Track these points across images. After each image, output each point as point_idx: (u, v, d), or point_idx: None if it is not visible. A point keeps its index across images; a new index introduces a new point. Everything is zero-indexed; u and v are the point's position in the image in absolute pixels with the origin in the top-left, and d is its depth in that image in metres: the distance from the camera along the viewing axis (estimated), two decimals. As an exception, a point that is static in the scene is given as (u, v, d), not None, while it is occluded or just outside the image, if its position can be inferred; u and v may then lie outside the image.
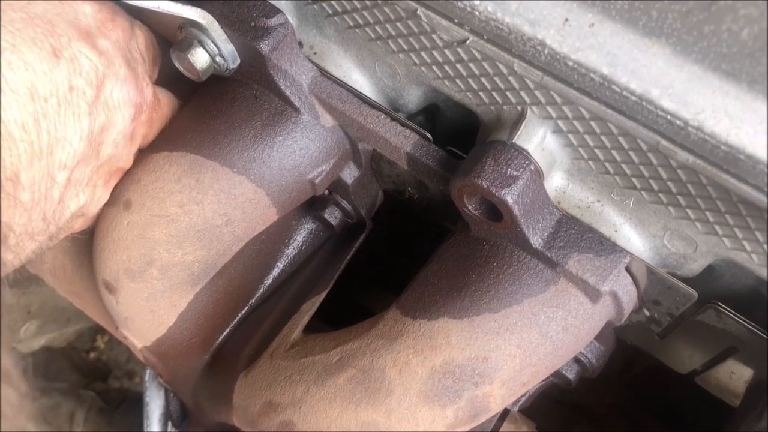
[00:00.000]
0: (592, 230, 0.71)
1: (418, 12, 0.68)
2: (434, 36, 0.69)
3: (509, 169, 0.67)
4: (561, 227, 0.71)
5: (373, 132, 0.78)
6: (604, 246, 0.71)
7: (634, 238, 0.72)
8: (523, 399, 0.83)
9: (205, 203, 0.81)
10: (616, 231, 0.72)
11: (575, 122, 0.66)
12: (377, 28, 0.74)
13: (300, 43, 0.81)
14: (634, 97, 0.59)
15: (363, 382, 0.75)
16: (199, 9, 0.76)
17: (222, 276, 0.89)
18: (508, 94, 0.69)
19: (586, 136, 0.66)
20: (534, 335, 0.72)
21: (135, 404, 1.46)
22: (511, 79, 0.67)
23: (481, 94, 0.71)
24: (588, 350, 0.80)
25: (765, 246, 0.63)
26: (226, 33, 0.77)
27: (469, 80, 0.71)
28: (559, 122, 0.67)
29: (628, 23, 0.59)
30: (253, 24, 0.76)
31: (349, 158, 0.87)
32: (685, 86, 0.58)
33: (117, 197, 0.83)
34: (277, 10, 0.77)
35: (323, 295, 0.93)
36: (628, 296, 0.73)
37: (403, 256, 1.07)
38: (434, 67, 0.72)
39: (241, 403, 0.85)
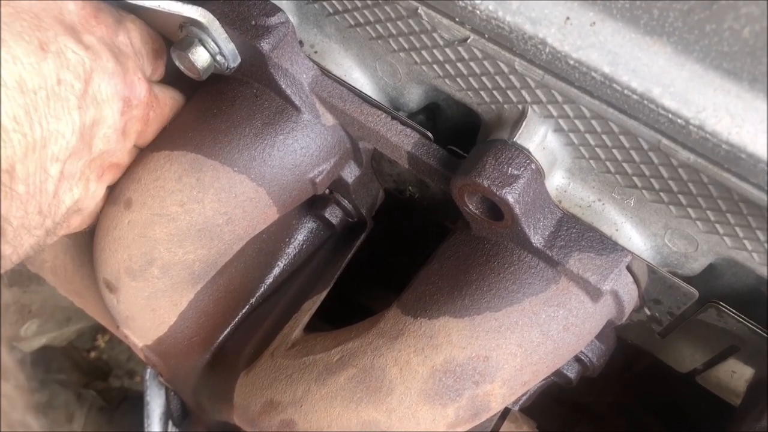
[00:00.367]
0: (593, 229, 0.71)
1: (419, 11, 0.68)
2: (435, 35, 0.69)
3: (510, 168, 0.67)
4: (562, 226, 0.71)
5: (374, 131, 0.78)
6: (605, 245, 0.70)
7: (635, 237, 0.72)
8: (524, 398, 0.83)
9: (205, 202, 0.81)
10: (617, 230, 0.72)
11: (576, 121, 0.66)
12: (378, 26, 0.74)
13: (300, 42, 0.81)
14: (635, 96, 0.59)
15: (364, 381, 0.75)
16: (200, 8, 0.76)
17: (223, 275, 0.89)
18: (509, 92, 0.69)
19: (587, 135, 0.66)
20: (535, 334, 0.72)
21: (136, 403, 1.47)
22: (512, 77, 0.67)
23: (482, 92, 0.71)
24: (589, 349, 0.81)
25: (766, 245, 0.63)
26: (226, 32, 0.77)
27: (470, 79, 0.71)
28: (560, 121, 0.67)
29: (629, 22, 0.59)
30: (253, 23, 0.76)
31: (349, 157, 0.87)
32: (686, 85, 0.58)
33: (118, 196, 0.83)
34: (277, 9, 0.77)
35: (324, 294, 0.93)
36: (629, 295, 0.73)
37: (404, 255, 1.07)
38: (435, 66, 0.72)
39: (241, 402, 0.85)
